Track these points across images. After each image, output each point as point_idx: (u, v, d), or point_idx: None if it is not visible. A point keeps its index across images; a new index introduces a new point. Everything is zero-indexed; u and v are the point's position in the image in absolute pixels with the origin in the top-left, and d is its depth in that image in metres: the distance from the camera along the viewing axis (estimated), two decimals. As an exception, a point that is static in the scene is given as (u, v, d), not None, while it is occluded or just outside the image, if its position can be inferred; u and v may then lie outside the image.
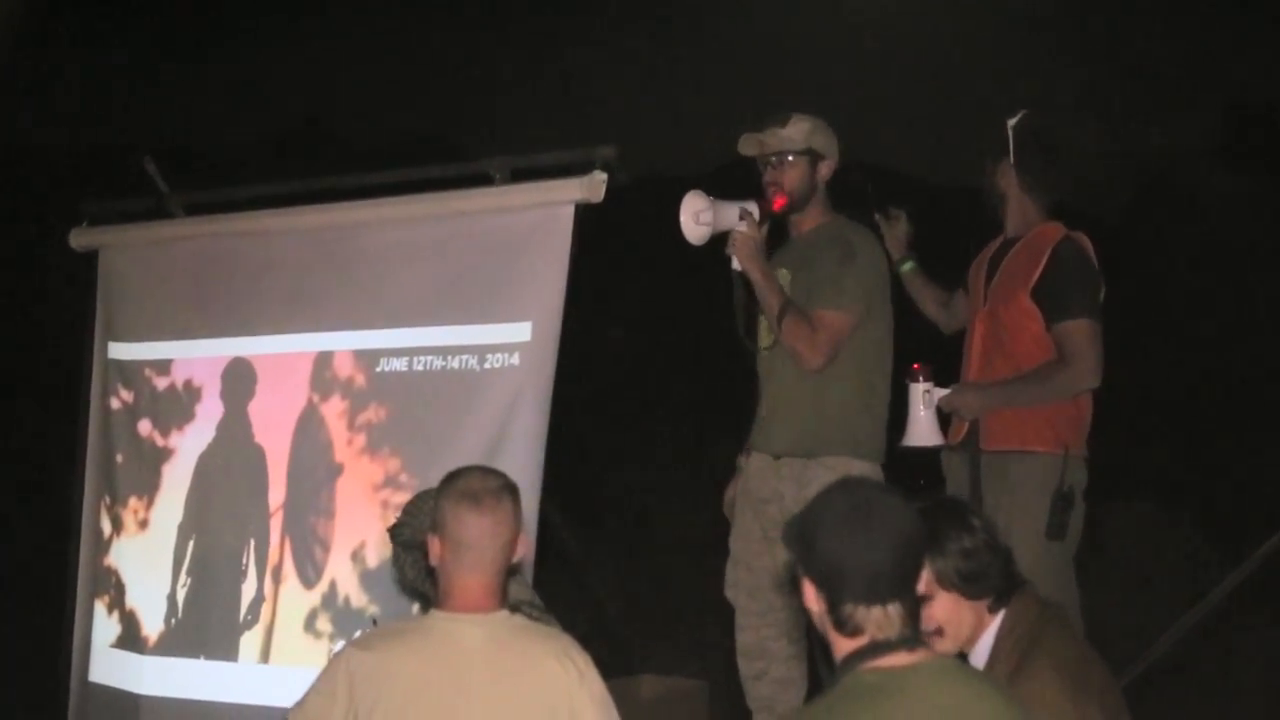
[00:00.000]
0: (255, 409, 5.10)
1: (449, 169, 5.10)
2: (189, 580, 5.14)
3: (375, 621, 4.46)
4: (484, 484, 2.97)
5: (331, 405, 4.87)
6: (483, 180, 4.74)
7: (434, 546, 2.98)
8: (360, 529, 4.70)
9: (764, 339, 4.46)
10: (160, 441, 5.32)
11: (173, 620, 5.15)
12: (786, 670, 4.36)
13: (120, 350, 5.52)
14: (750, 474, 4.47)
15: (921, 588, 2.29)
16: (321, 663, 3.57)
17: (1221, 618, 4.97)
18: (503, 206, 4.65)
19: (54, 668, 5.50)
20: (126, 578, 5.33)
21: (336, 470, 4.83)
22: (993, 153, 4.40)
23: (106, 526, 5.43)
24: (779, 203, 4.37)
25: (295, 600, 4.85)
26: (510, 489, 3.00)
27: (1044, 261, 4.23)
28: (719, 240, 4.35)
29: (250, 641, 4.93)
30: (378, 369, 4.78)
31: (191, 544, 5.16)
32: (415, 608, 3.72)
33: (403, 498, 3.85)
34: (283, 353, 5.05)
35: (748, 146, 4.41)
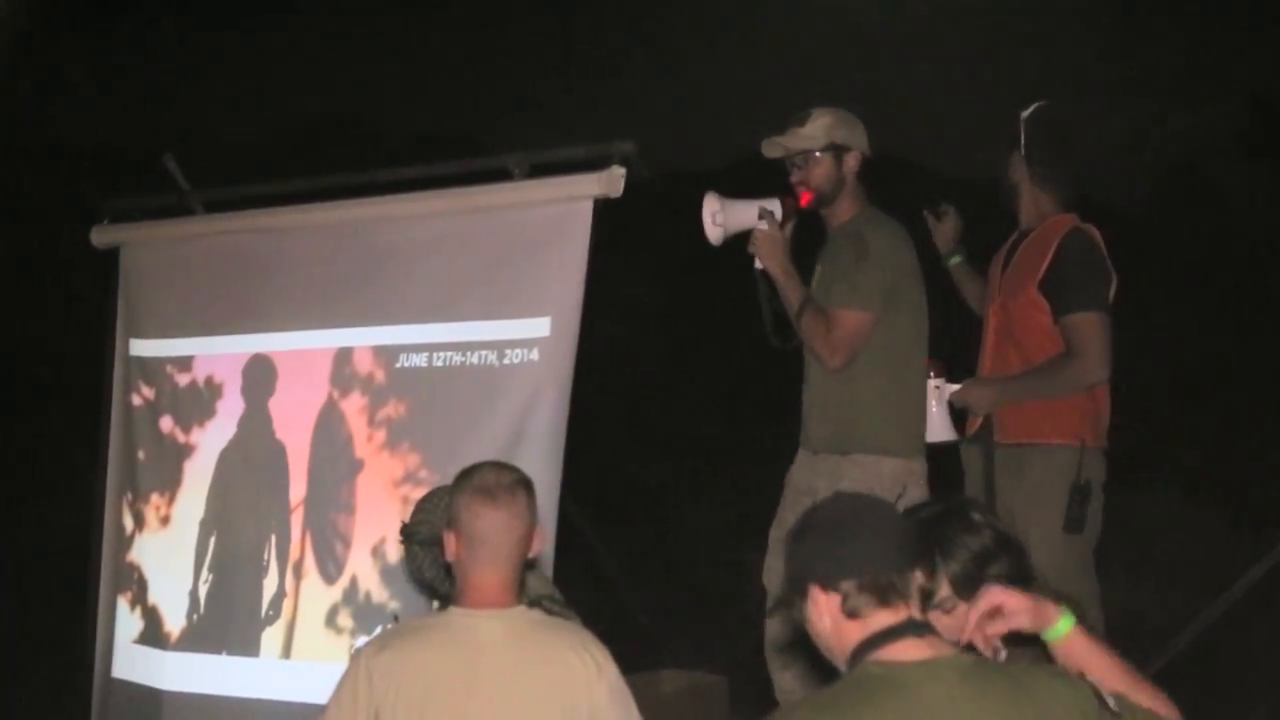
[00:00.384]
0: (276, 405, 5.11)
1: (468, 165, 5.09)
2: (210, 576, 5.15)
3: (396, 617, 4.46)
4: (498, 479, 2.97)
5: (351, 401, 4.88)
6: (502, 176, 4.74)
7: (450, 543, 2.99)
8: (380, 524, 4.70)
9: (794, 337, 4.46)
10: (182, 438, 5.34)
11: (195, 616, 5.16)
12: (812, 663, 4.35)
13: (142, 347, 5.53)
14: (794, 467, 4.50)
15: (942, 592, 2.30)
16: (343, 658, 3.58)
17: (1247, 609, 4.93)
18: (522, 202, 4.65)
19: (77, 664, 5.52)
20: (149, 574, 5.35)
21: (357, 466, 4.83)
22: (1008, 145, 4.38)
23: (129, 523, 5.45)
24: (806, 199, 4.37)
25: (316, 596, 4.86)
26: (524, 483, 3.00)
27: (1051, 254, 4.22)
28: (745, 236, 4.35)
29: (272, 637, 4.94)
30: (397, 365, 4.79)
31: (213, 540, 5.17)
32: (435, 604, 3.72)
33: (422, 493, 3.84)
34: (303, 349, 5.06)
35: (771, 149, 4.41)
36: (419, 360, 4.74)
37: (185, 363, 5.37)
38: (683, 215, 4.39)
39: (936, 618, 2.43)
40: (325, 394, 4.94)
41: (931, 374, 4.29)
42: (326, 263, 5.04)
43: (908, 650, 2.19)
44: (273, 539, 4.99)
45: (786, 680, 4.38)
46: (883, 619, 2.21)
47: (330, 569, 4.84)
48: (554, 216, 4.53)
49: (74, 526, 5.88)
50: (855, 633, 2.22)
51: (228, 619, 5.07)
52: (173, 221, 5.59)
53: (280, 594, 4.94)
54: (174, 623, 5.21)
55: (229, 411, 5.22)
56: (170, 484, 5.33)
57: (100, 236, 5.69)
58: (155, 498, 5.37)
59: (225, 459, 5.20)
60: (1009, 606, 2.30)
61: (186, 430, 5.33)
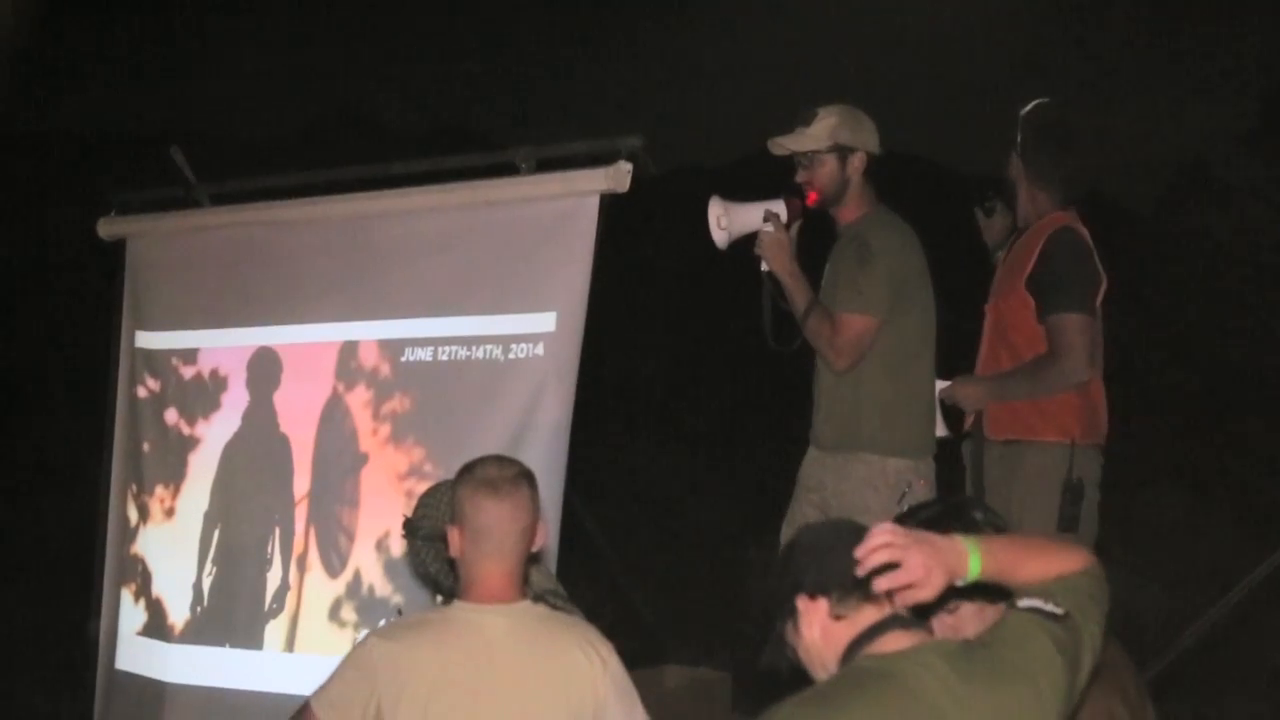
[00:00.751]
0: (281, 398, 5.11)
1: (475, 159, 5.10)
2: (214, 569, 5.15)
3: (400, 611, 4.46)
4: (500, 472, 2.98)
5: (356, 395, 4.87)
6: (508, 170, 4.73)
7: (454, 537, 2.99)
8: (385, 519, 4.70)
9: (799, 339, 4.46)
10: (186, 430, 5.34)
11: (198, 608, 5.16)
12: None
13: (147, 339, 5.53)
14: (805, 463, 4.51)
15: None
16: (346, 652, 3.57)
17: (1252, 608, 4.93)
18: (528, 196, 4.64)
19: (81, 655, 5.53)
20: (153, 566, 5.35)
21: (361, 460, 4.83)
22: (1009, 143, 4.39)
23: (133, 515, 5.45)
24: (811, 199, 4.37)
25: (320, 589, 4.86)
26: (527, 476, 3.00)
27: (1036, 253, 4.22)
28: (749, 237, 4.35)
29: (275, 630, 4.94)
30: (403, 359, 4.78)
31: (217, 533, 5.18)
32: (438, 599, 3.72)
33: (427, 488, 3.84)
34: (308, 342, 5.06)
35: (776, 149, 4.41)
36: (424, 354, 4.74)
37: (190, 355, 5.37)
38: (691, 209, 4.38)
39: (939, 618, 2.43)
40: (330, 387, 4.94)
41: None
42: (332, 256, 5.04)
43: (895, 642, 2.21)
44: (277, 532, 4.99)
45: None
46: (869, 615, 2.24)
47: (334, 563, 4.84)
48: (560, 211, 4.53)
49: (79, 518, 5.89)
50: (844, 633, 2.25)
51: (231, 612, 5.07)
52: (179, 214, 5.59)
53: (284, 587, 4.94)
54: (178, 615, 5.22)
55: (234, 404, 5.22)
56: (175, 476, 5.33)
57: (107, 228, 5.69)
58: (160, 490, 5.37)
59: (230, 452, 5.20)
60: (902, 559, 2.19)
61: (191, 423, 5.33)
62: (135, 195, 5.80)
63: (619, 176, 4.39)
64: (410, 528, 3.57)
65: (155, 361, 5.48)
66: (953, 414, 4.41)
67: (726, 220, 4.31)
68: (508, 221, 4.65)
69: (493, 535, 2.93)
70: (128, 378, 5.58)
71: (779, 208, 4.31)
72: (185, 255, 5.49)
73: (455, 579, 3.20)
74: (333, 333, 4.98)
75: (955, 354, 4.49)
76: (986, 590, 2.37)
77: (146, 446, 5.45)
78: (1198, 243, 14.50)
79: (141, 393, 5.51)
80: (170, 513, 5.33)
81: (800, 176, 4.40)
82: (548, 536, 3.22)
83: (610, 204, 4.43)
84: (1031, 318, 4.22)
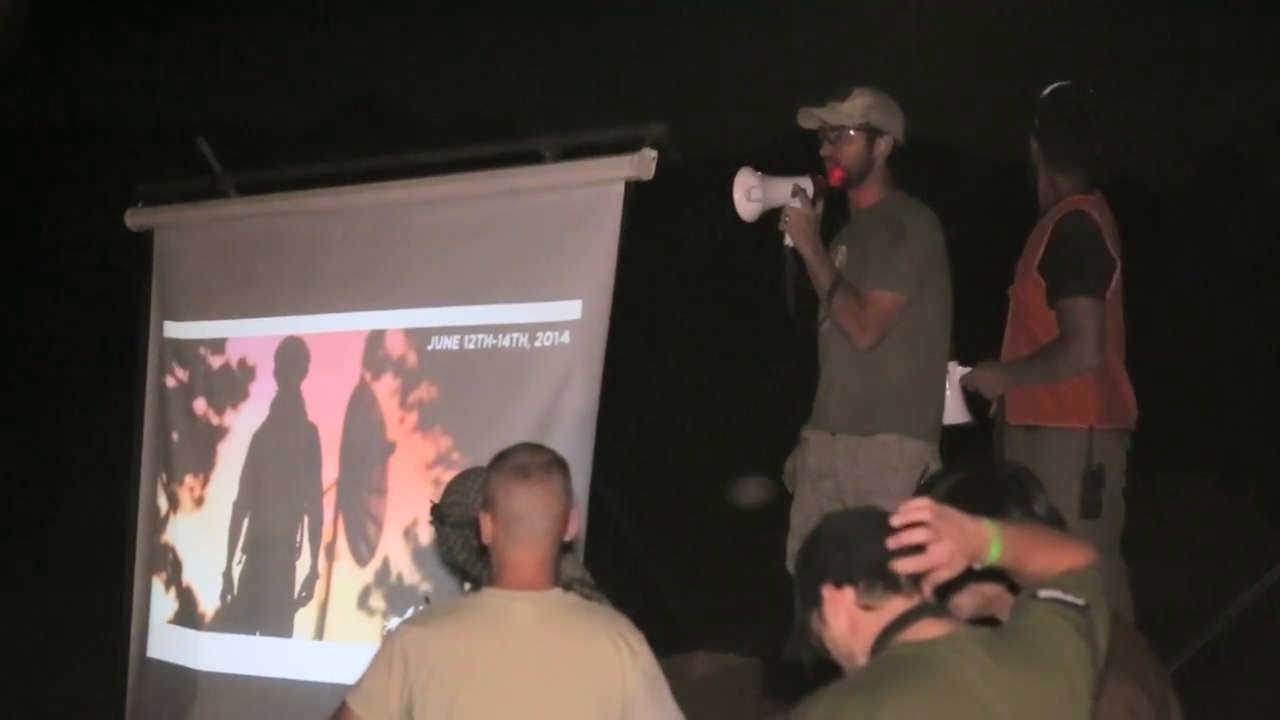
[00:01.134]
0: (308, 387, 5.13)
1: (500, 147, 5.09)
2: (244, 557, 5.18)
3: (428, 599, 4.47)
4: (532, 458, 2.99)
5: (384, 384, 4.89)
6: (533, 158, 4.73)
7: (486, 525, 2.99)
8: (412, 507, 4.71)
9: (821, 316, 4.44)
10: (215, 420, 5.36)
11: (228, 597, 5.19)
12: None
13: (175, 329, 5.56)
14: (809, 449, 4.47)
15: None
16: (375, 639, 3.60)
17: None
18: (553, 184, 4.64)
19: (114, 644, 5.57)
20: (183, 555, 5.38)
21: (389, 448, 4.84)
22: (1030, 128, 4.38)
23: (163, 504, 5.48)
24: (836, 176, 4.35)
25: (348, 577, 4.87)
26: (559, 463, 3.01)
27: (1047, 237, 4.20)
28: (773, 216, 4.33)
29: (305, 618, 4.97)
30: (429, 347, 4.79)
31: (246, 521, 5.20)
32: (466, 587, 3.73)
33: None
34: (335, 331, 5.07)
35: (806, 120, 4.39)
36: (451, 343, 4.75)
37: (218, 345, 5.40)
38: (717, 196, 4.37)
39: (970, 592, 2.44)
40: (357, 376, 4.95)
41: None
42: (359, 245, 5.05)
43: (928, 629, 2.21)
44: (305, 520, 5.01)
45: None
46: (898, 605, 2.23)
47: (362, 551, 4.86)
48: (586, 199, 4.52)
49: (110, 508, 5.92)
50: (873, 624, 2.24)
51: (261, 600, 5.10)
52: (206, 204, 5.61)
53: (313, 575, 4.96)
54: (208, 603, 5.25)
55: (262, 394, 5.24)
56: (204, 465, 5.36)
57: (135, 219, 5.72)
58: (189, 479, 5.40)
59: (258, 441, 5.23)
60: (932, 542, 2.18)
61: (220, 412, 5.36)
62: (162, 186, 5.83)
63: (644, 164, 4.38)
64: (438, 514, 3.58)
65: (183, 351, 5.51)
66: (977, 400, 4.39)
67: (759, 192, 4.29)
68: (533, 210, 4.65)
69: (524, 520, 2.93)
70: (156, 368, 5.61)
71: (806, 183, 4.30)
72: (212, 245, 5.51)
73: (483, 566, 3.20)
74: (359, 322, 4.99)
75: (975, 340, 4.47)
76: (997, 575, 2.37)
77: (176, 436, 5.48)
78: (1229, 226, 14.39)
79: (170, 383, 5.54)
80: (200, 502, 5.36)
81: (825, 151, 4.38)
82: (579, 525, 3.22)
83: (636, 191, 4.43)
84: (1045, 302, 4.20)
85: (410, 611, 4.28)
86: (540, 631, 2.93)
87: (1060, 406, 4.16)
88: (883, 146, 4.36)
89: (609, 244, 4.42)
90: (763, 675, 5.58)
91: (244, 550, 5.19)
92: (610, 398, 4.40)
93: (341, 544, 4.91)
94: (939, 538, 2.16)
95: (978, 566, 2.23)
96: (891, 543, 2.17)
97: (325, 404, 5.04)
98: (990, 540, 2.20)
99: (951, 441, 4.39)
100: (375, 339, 4.93)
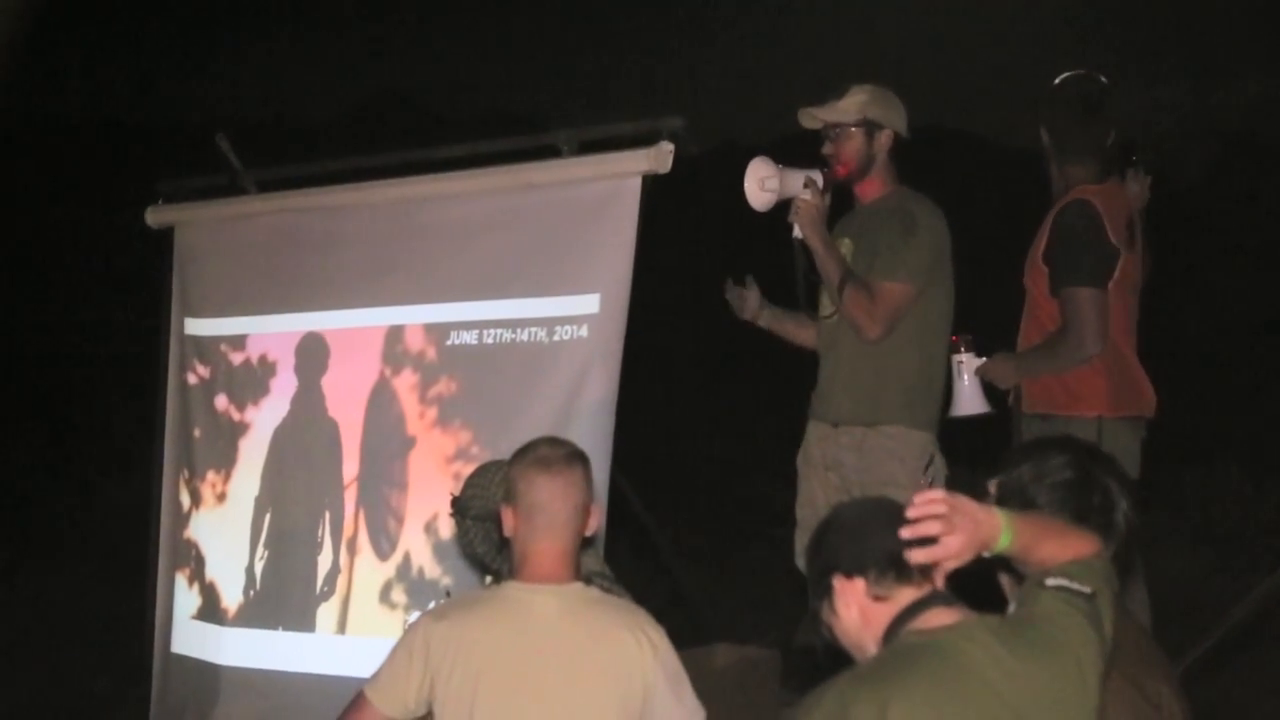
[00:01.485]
0: (329, 383, 5.15)
1: (517, 142, 5.10)
2: (266, 553, 5.21)
3: (449, 593, 4.49)
4: (553, 451, 3.01)
5: (403, 379, 4.90)
6: (551, 153, 4.74)
7: (507, 518, 3.00)
8: (433, 501, 4.73)
9: (825, 308, 4.48)
10: (236, 416, 5.39)
11: (251, 592, 5.22)
12: None
13: (196, 326, 5.58)
14: (810, 441, 4.49)
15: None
16: (397, 633, 3.60)
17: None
18: (570, 179, 4.65)
19: (138, 639, 5.60)
20: (206, 550, 5.41)
21: (409, 443, 4.86)
22: (1042, 118, 4.37)
23: (185, 500, 5.51)
24: (840, 173, 4.38)
25: (370, 572, 4.90)
26: (580, 456, 3.02)
27: (1048, 226, 4.19)
28: (785, 208, 4.34)
29: (327, 613, 4.99)
30: (448, 342, 4.81)
31: (268, 517, 5.23)
32: (487, 580, 3.74)
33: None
34: (355, 327, 5.09)
35: (806, 120, 4.44)
36: (469, 338, 4.76)
37: (239, 341, 5.42)
38: (733, 189, 4.37)
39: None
40: (377, 371, 4.97)
41: (961, 349, 4.31)
42: (378, 241, 5.07)
43: (938, 618, 2.23)
44: (326, 516, 5.04)
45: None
46: (908, 595, 2.25)
47: (384, 545, 4.88)
48: (603, 193, 4.54)
49: (132, 504, 5.95)
50: (884, 614, 2.26)
51: (283, 595, 5.12)
52: (226, 201, 5.63)
53: (335, 570, 4.99)
54: (231, 599, 5.28)
55: (282, 390, 5.26)
56: (226, 462, 5.39)
57: (155, 216, 5.74)
58: (211, 475, 5.43)
59: (279, 437, 5.25)
60: (945, 534, 2.19)
61: (241, 408, 5.38)
62: (182, 183, 5.85)
63: (661, 157, 4.39)
64: (458, 507, 3.59)
65: (204, 348, 5.53)
66: (994, 390, 4.39)
67: (774, 183, 4.32)
68: (551, 204, 4.67)
69: (545, 511, 2.94)
70: (178, 365, 5.64)
71: (817, 176, 4.32)
72: (232, 242, 5.53)
73: (503, 559, 3.20)
74: (379, 317, 5.01)
75: (993, 331, 4.46)
76: (1004, 564, 2.38)
77: (197, 432, 5.51)
78: (1248, 211, 14.32)
79: (191, 379, 5.57)
80: (222, 498, 5.39)
81: (827, 149, 4.41)
82: (600, 519, 3.23)
83: (653, 184, 4.43)
84: (1049, 293, 4.21)
85: (431, 605, 4.29)
86: (561, 625, 2.94)
87: (1070, 395, 4.16)
88: (883, 140, 4.39)
89: (626, 238, 4.44)
90: (783, 667, 5.59)
91: (266, 546, 5.22)
92: (629, 391, 4.41)
93: (363, 539, 4.93)
94: (952, 529, 2.17)
95: (986, 555, 2.23)
96: (905, 533, 2.18)
97: (345, 399, 5.07)
98: (1000, 529, 2.21)
99: (969, 431, 4.39)
100: (394, 334, 4.95)
